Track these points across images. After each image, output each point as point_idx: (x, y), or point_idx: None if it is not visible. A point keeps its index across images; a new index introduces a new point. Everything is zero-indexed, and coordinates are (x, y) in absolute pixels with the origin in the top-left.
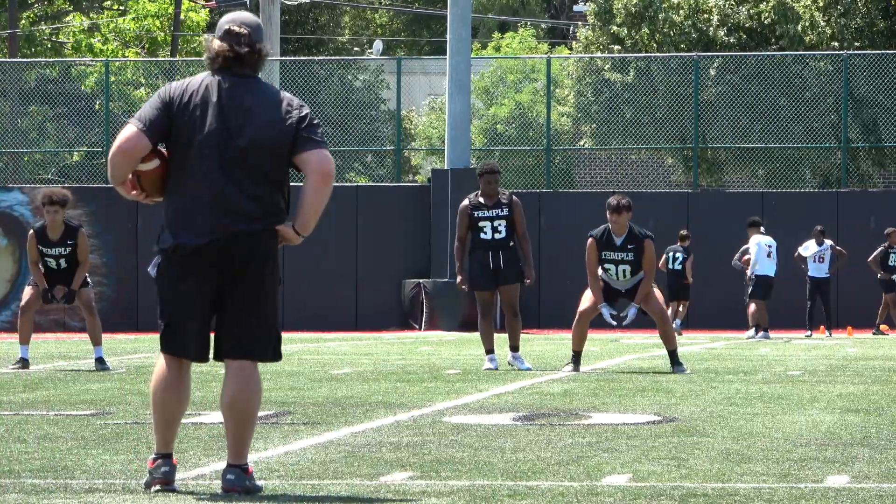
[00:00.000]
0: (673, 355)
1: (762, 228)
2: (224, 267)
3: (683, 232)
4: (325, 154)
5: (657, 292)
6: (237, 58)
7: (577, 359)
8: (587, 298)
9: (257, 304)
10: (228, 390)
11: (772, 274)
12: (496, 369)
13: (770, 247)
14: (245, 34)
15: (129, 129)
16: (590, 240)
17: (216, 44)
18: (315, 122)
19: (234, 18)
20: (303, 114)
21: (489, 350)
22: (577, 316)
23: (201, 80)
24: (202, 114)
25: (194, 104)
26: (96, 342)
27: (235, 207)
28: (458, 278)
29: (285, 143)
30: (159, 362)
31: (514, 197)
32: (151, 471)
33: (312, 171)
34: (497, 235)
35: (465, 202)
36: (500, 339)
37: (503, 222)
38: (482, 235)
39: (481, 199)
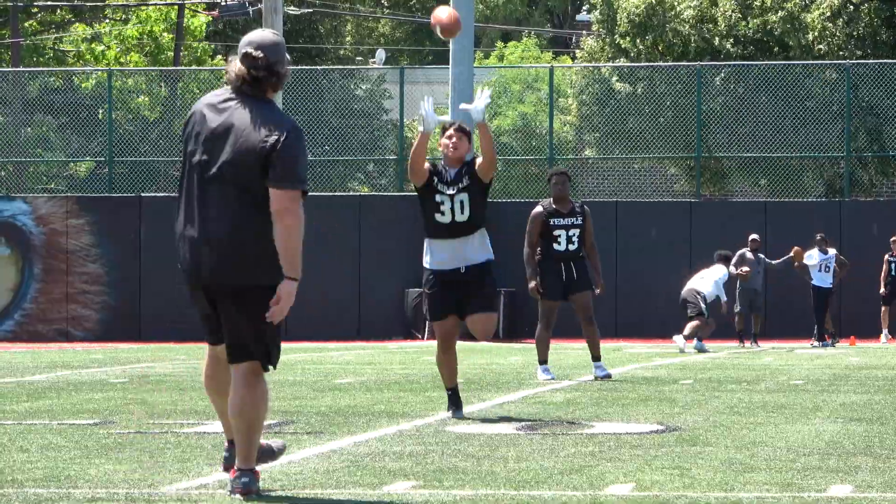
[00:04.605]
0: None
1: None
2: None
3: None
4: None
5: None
6: (255, 81)
7: (454, 397)
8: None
9: None
10: (231, 395)
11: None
12: (553, 378)
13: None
14: (261, 57)
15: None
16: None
17: (235, 66)
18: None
19: (252, 40)
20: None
21: (543, 361)
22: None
23: None
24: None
25: None
26: None
27: None
28: (531, 284)
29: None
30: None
31: (586, 207)
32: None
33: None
34: (571, 247)
35: (539, 209)
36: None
37: (577, 231)
38: (556, 246)
39: (556, 206)
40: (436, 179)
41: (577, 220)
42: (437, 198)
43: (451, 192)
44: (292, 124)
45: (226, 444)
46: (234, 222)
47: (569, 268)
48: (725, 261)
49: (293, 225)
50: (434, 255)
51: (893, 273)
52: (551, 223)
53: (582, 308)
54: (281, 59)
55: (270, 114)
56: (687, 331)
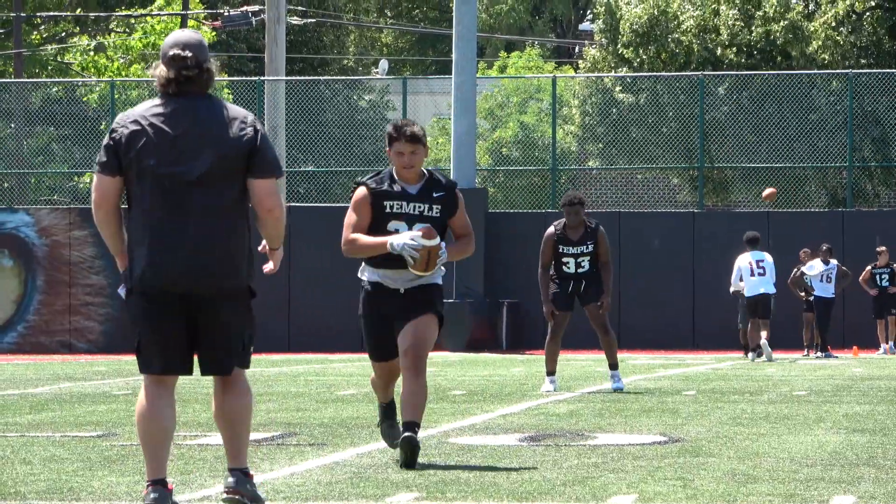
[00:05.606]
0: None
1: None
2: None
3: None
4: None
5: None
6: (188, 81)
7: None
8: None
9: None
10: (218, 400)
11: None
12: (556, 391)
13: (760, 262)
14: (190, 56)
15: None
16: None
17: (164, 71)
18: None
19: (178, 41)
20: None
21: (551, 372)
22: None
23: None
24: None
25: None
26: None
27: None
28: (545, 308)
29: None
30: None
31: (600, 227)
32: (143, 498)
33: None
34: (580, 270)
35: (551, 230)
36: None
37: (587, 259)
38: (565, 269)
39: (566, 232)
40: (385, 199)
41: (586, 247)
42: (391, 225)
43: (415, 211)
44: (252, 114)
45: (151, 485)
46: (221, 225)
47: (577, 282)
48: (755, 243)
49: (281, 212)
50: (371, 275)
51: (880, 284)
52: (561, 250)
53: (595, 319)
54: (207, 56)
55: (229, 109)
56: (766, 337)
